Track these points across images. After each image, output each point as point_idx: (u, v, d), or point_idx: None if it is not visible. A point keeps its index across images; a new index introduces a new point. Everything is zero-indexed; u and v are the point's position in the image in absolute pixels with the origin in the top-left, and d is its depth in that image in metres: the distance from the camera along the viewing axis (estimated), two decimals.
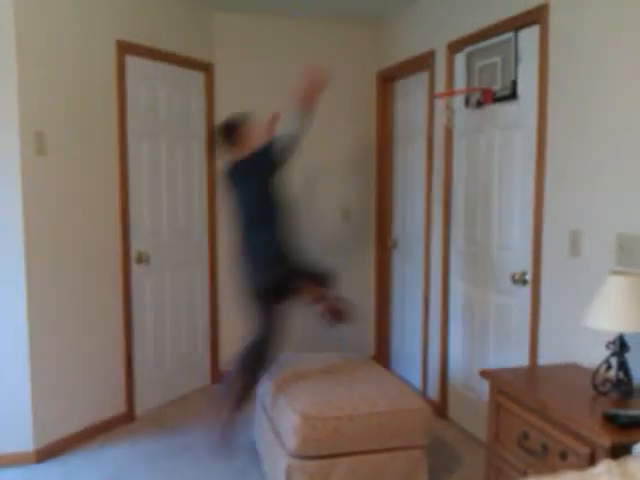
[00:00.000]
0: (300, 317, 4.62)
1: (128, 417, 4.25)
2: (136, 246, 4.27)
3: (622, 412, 2.22)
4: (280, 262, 3.49)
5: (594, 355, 2.75)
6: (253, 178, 3.48)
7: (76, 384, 3.89)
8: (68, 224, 3.79)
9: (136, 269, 4.28)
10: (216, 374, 5.05)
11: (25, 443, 3.62)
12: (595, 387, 2.50)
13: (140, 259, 4.30)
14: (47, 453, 3.69)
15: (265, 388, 3.64)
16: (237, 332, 5.10)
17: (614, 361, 2.50)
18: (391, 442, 3.14)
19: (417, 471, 3.19)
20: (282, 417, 3.21)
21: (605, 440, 2.10)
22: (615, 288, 2.39)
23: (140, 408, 4.36)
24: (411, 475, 3.18)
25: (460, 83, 4.01)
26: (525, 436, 2.54)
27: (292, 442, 3.04)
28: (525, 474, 2.47)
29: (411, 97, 4.91)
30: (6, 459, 3.57)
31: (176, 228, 4.65)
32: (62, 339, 3.78)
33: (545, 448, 2.42)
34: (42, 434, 3.68)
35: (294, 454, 3.06)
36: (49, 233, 3.67)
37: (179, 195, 4.66)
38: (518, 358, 3.52)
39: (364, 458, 3.12)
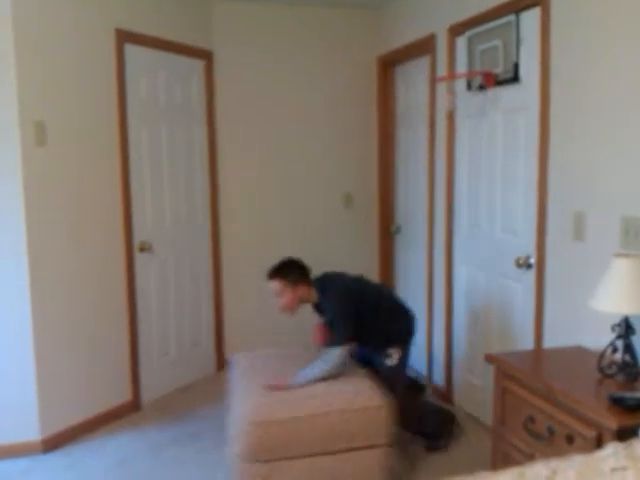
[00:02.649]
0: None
1: (134, 406, 4.27)
2: (139, 234, 4.27)
3: (628, 395, 2.22)
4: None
5: (600, 338, 2.74)
6: None
7: (82, 374, 3.90)
8: (70, 214, 3.78)
9: (139, 257, 4.28)
10: (221, 362, 5.06)
11: (32, 433, 3.63)
12: (601, 370, 2.50)
13: (143, 247, 4.29)
14: (54, 442, 3.71)
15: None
16: (241, 319, 5.13)
17: (620, 344, 2.49)
18: (348, 442, 2.98)
19: (376, 472, 3.03)
20: (233, 419, 3.08)
21: (611, 423, 2.10)
22: (620, 271, 2.38)
23: (146, 397, 4.37)
24: (370, 476, 3.02)
25: (461, 67, 3.98)
26: (531, 420, 2.54)
27: (240, 446, 2.89)
28: (532, 458, 2.47)
29: (412, 82, 4.88)
30: (13, 449, 3.59)
31: (178, 216, 4.64)
32: (67, 329, 3.79)
33: (551, 432, 2.42)
34: (48, 423, 3.69)
35: (243, 457, 2.90)
36: (50, 223, 3.66)
37: (181, 183, 4.65)
38: (523, 342, 3.52)
39: (319, 459, 2.96)
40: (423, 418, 3.71)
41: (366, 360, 3.59)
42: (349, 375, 3.28)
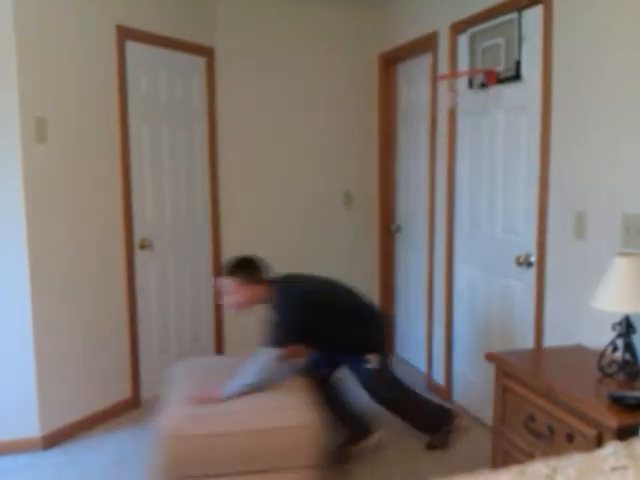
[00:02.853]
0: None
1: (133, 403, 4.26)
2: (139, 232, 4.26)
3: (629, 394, 2.22)
4: None
5: (600, 337, 2.74)
6: None
7: (81, 371, 3.90)
8: (70, 211, 3.78)
9: (139, 254, 4.27)
10: None
11: (32, 429, 3.63)
12: (601, 369, 2.50)
13: (143, 245, 4.29)
14: (53, 439, 3.71)
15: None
16: (241, 317, 5.12)
17: (620, 342, 2.48)
18: (268, 463, 2.78)
19: None
20: (154, 431, 2.88)
21: (612, 422, 2.09)
22: (621, 269, 2.37)
23: (145, 394, 4.36)
24: None
25: (463, 65, 3.98)
26: (531, 418, 2.53)
27: (158, 461, 2.73)
28: (532, 456, 2.46)
29: (414, 79, 4.88)
30: (13, 445, 3.59)
31: (179, 213, 4.64)
32: (66, 326, 3.79)
33: (551, 430, 2.41)
34: (48, 420, 3.69)
35: (160, 472, 2.74)
36: (51, 220, 3.66)
37: (181, 180, 4.64)
38: (523, 340, 3.51)
39: None
40: (422, 413, 3.68)
41: (328, 366, 3.54)
42: (281, 389, 3.06)
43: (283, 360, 3.10)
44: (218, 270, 3.27)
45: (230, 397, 2.94)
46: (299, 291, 3.29)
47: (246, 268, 3.25)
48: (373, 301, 3.76)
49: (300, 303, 3.21)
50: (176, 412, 2.86)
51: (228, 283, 3.23)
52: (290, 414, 2.85)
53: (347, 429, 3.50)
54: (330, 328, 3.33)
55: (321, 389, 3.35)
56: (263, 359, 3.02)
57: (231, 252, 5.02)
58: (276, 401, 2.95)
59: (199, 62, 4.77)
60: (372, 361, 3.39)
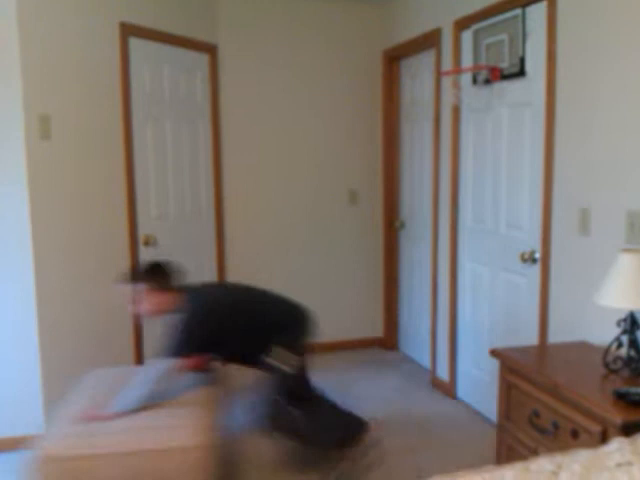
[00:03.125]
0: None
1: None
2: (143, 228, 4.27)
3: (633, 390, 2.22)
4: None
5: (605, 333, 2.74)
6: None
7: (86, 367, 3.90)
8: (74, 208, 3.79)
9: (144, 251, 4.28)
10: None
11: (36, 426, 3.64)
12: (606, 365, 2.49)
13: (147, 241, 4.30)
14: None
15: None
16: None
17: (625, 339, 2.48)
18: None
19: None
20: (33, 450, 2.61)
21: (616, 418, 2.09)
22: (626, 266, 2.37)
23: None
24: None
25: (467, 61, 3.97)
26: (536, 415, 2.54)
27: None
28: (536, 453, 2.47)
29: (418, 76, 4.87)
30: (17, 442, 3.59)
31: (183, 210, 4.64)
32: (71, 323, 3.79)
33: (556, 426, 2.42)
34: (53, 417, 3.69)
35: None
36: (55, 217, 3.67)
37: (185, 177, 4.65)
38: (528, 337, 3.51)
39: None
40: (328, 429, 3.25)
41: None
42: (180, 405, 2.82)
43: (183, 372, 2.88)
44: (131, 275, 3.06)
45: (122, 413, 2.69)
46: (209, 300, 3.05)
47: (157, 274, 3.00)
48: (301, 311, 3.25)
49: (206, 313, 2.96)
50: (59, 430, 2.63)
51: (136, 289, 2.95)
52: (178, 434, 2.58)
53: (344, 432, 3.26)
54: (240, 339, 3.04)
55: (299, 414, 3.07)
56: (158, 370, 2.78)
57: (235, 249, 5.06)
58: (169, 419, 2.68)
59: (202, 59, 4.77)
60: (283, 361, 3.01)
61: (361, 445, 3.22)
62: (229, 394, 3.25)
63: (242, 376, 3.23)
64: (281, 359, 3.00)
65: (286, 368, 3.00)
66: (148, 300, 2.95)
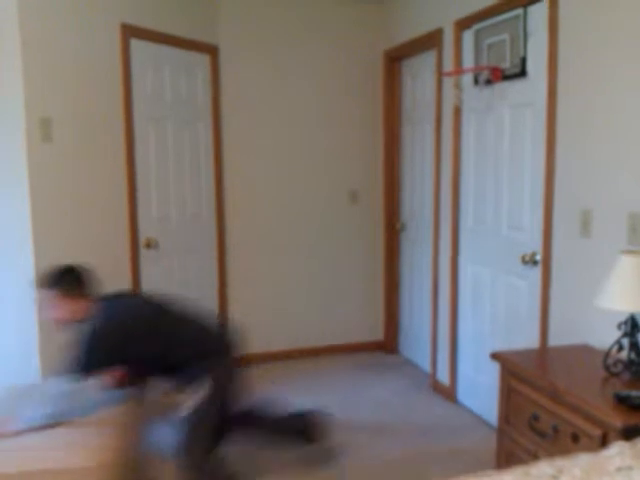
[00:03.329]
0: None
1: None
2: (144, 231, 4.26)
3: (634, 393, 2.20)
4: None
5: (605, 336, 2.73)
6: None
7: None
8: (75, 210, 3.78)
9: (145, 254, 4.27)
10: None
11: None
12: (607, 368, 2.48)
13: (148, 244, 4.29)
14: None
15: None
16: (245, 317, 5.12)
17: (626, 342, 2.47)
18: None
19: None
20: None
21: (617, 422, 2.08)
22: (627, 268, 2.36)
23: None
24: None
25: (468, 61, 3.96)
26: (536, 418, 2.52)
27: None
28: (536, 457, 2.46)
29: (419, 76, 4.86)
30: None
31: (184, 213, 4.64)
32: None
33: (556, 430, 2.40)
34: None
35: None
36: (57, 219, 3.66)
37: (187, 179, 4.64)
38: (528, 340, 3.50)
39: None
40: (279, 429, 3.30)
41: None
42: (84, 424, 2.67)
43: (95, 388, 2.77)
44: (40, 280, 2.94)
45: (25, 430, 2.56)
46: (121, 311, 2.90)
47: (69, 280, 2.85)
48: (219, 340, 3.14)
49: (116, 325, 2.82)
50: None
51: (47, 295, 2.82)
52: (82, 453, 2.45)
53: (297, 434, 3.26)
54: (147, 356, 2.89)
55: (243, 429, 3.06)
56: (63, 386, 2.65)
57: (236, 251, 5.05)
58: (73, 437, 2.56)
59: (203, 60, 4.76)
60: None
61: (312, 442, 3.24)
62: (143, 414, 3.04)
63: (159, 396, 3.12)
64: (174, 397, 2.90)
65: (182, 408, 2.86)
66: (59, 306, 2.81)
